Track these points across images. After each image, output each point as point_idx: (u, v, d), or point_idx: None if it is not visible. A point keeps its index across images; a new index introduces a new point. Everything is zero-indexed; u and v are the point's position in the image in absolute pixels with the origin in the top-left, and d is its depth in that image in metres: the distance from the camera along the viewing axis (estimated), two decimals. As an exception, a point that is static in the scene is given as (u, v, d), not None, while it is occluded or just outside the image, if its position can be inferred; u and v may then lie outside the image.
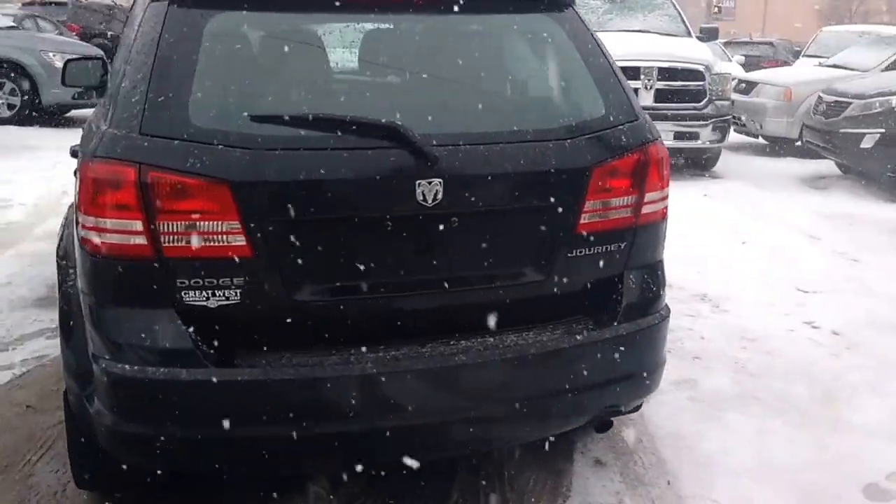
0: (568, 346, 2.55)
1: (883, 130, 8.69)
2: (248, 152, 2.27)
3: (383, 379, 2.34)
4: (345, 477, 2.78)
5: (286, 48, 2.53)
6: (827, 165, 10.29)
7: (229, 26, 2.46)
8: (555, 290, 2.59)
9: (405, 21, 2.63)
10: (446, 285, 2.48)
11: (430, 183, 2.37)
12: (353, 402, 2.34)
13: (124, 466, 2.46)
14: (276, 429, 2.30)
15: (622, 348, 2.61)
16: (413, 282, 2.46)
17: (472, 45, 2.68)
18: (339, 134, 2.34)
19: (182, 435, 2.30)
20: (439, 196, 2.37)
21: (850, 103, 9.11)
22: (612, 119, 2.64)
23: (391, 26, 2.66)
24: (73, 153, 2.92)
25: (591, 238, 2.60)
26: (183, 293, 2.29)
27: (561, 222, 2.54)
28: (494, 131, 2.50)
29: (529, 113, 2.63)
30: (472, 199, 2.43)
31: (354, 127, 2.35)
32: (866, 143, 8.74)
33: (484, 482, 3.01)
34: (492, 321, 2.52)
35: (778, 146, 11.78)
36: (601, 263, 2.64)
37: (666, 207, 2.78)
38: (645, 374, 2.73)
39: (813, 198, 8.82)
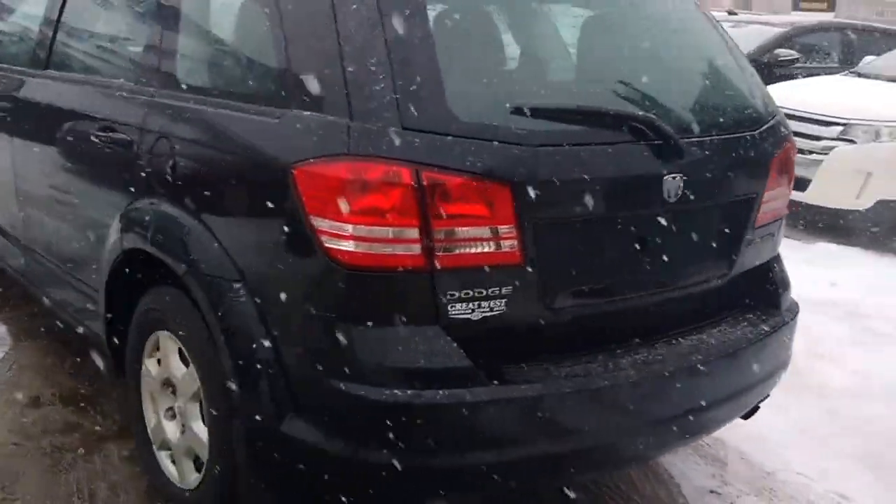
0: (761, 337, 2.58)
1: None
2: (523, 149, 2.07)
3: (644, 383, 2.26)
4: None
5: (519, 29, 2.30)
6: None
7: (452, 3, 2.20)
8: (735, 282, 2.61)
9: (619, 7, 2.48)
10: (672, 283, 2.42)
11: (674, 178, 2.28)
12: (622, 408, 2.25)
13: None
14: (551, 444, 2.16)
15: (787, 337, 2.70)
16: (647, 281, 2.37)
17: (673, 32, 2.58)
18: (600, 128, 2.19)
19: (452, 462, 2.09)
20: (680, 191, 2.30)
21: None
22: (770, 109, 2.68)
23: (608, 13, 2.49)
24: None
25: (760, 229, 2.63)
26: (450, 306, 2.05)
27: (751, 214, 2.56)
28: (714, 122, 2.44)
29: (730, 103, 2.58)
30: (703, 193, 2.37)
31: (614, 120, 2.21)
32: None
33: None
34: (698, 317, 2.51)
35: None
36: (761, 255, 2.70)
37: None
38: (787, 361, 2.83)
39: None
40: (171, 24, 2.63)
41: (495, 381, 2.08)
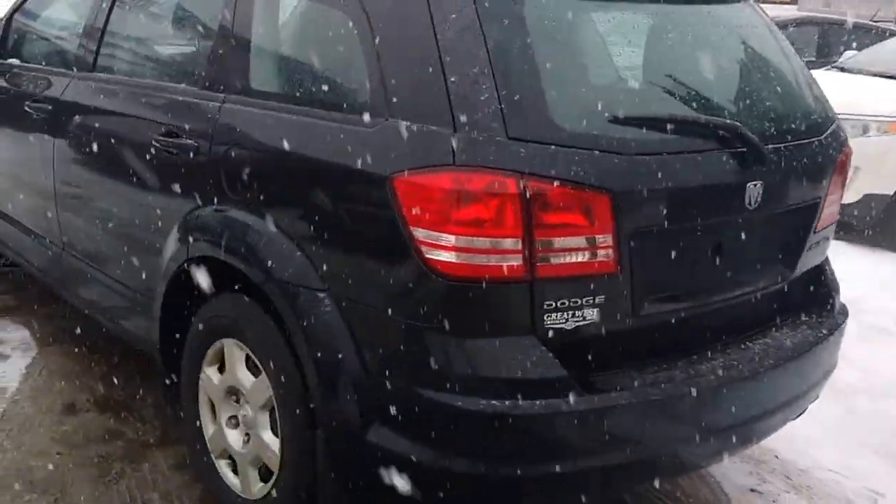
0: (820, 339, 2.62)
1: None
2: (622, 158, 2.07)
3: (723, 388, 2.28)
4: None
5: (608, 38, 2.30)
6: None
7: (546, 11, 2.20)
8: (793, 285, 2.65)
9: (683, 13, 2.49)
10: (743, 288, 2.45)
11: (755, 185, 2.31)
12: (702, 414, 2.27)
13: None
14: (634, 452, 2.17)
15: (839, 339, 2.75)
16: (721, 286, 2.40)
17: (734, 36, 2.59)
18: (691, 136, 2.21)
19: (543, 472, 2.09)
20: (759, 198, 2.33)
21: None
22: (830, 114, 2.72)
23: (674, 18, 2.49)
24: None
25: (819, 233, 2.67)
26: (546, 316, 2.06)
27: (815, 218, 2.60)
28: (786, 128, 2.46)
29: (798, 109, 2.61)
30: (776, 198, 2.40)
31: (704, 129, 2.23)
32: None
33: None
34: (761, 321, 2.54)
35: None
36: (817, 258, 2.74)
37: None
38: (836, 363, 2.87)
39: None
40: (244, 30, 2.57)
41: (587, 391, 2.09)
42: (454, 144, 1.98)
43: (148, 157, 2.78)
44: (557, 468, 2.09)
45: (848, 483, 3.23)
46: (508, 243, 1.98)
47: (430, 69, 2.06)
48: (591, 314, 2.11)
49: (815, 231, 2.61)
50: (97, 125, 3.09)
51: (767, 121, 2.40)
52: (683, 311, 2.32)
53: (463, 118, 1.99)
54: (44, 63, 3.64)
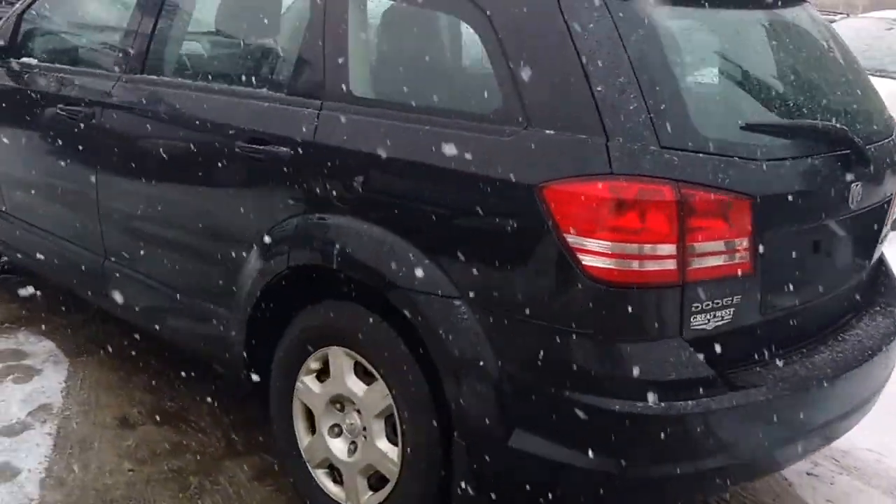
0: None
1: None
2: (757, 164, 2.15)
3: (836, 380, 2.38)
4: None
5: (728, 45, 2.36)
6: None
7: (672, 21, 2.25)
8: (869, 276, 2.78)
9: (769, 18, 2.57)
10: (840, 282, 2.56)
11: (856, 185, 2.41)
12: (819, 406, 2.37)
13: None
14: (762, 446, 2.27)
15: None
16: (825, 282, 2.49)
17: (811, 39, 2.68)
18: (809, 141, 2.30)
19: (690, 469, 2.16)
20: (859, 196, 2.43)
21: None
22: (889, 114, 2.85)
23: (766, 24, 2.57)
24: None
25: (887, 226, 2.81)
26: (692, 318, 2.12)
27: (888, 213, 2.73)
28: (871, 130, 2.58)
29: (874, 112, 2.72)
30: (869, 196, 2.52)
31: (817, 132, 2.32)
32: None
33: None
34: (848, 313, 2.66)
35: None
36: (879, 252, 2.88)
37: None
38: None
39: None
40: (339, 34, 2.52)
41: (730, 388, 2.16)
42: (611, 153, 2.01)
43: (227, 164, 2.72)
44: (701, 465, 2.15)
45: (888, 461, 3.39)
46: (663, 249, 2.03)
47: (573, 79, 2.08)
48: (728, 314, 2.18)
49: (886, 224, 2.74)
50: (156, 130, 2.99)
51: (856, 123, 2.51)
52: (796, 307, 2.41)
53: (613, 127, 2.02)
54: (73, 64, 3.48)
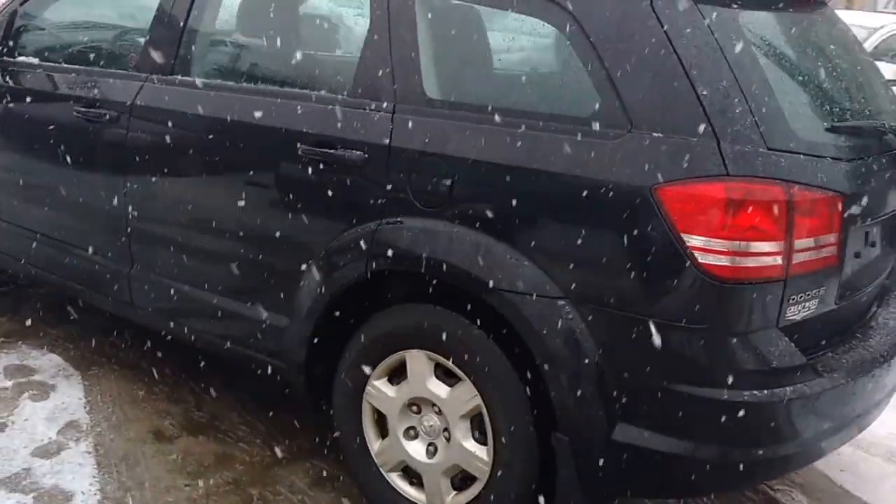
0: None
1: None
2: (844, 163, 2.29)
3: (891, 364, 2.54)
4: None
5: (793, 48, 2.48)
6: None
7: (753, 25, 2.35)
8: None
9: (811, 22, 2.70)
10: (881, 274, 2.73)
11: (904, 181, 2.58)
12: (874, 390, 2.52)
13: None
14: (830, 429, 2.40)
15: None
16: (873, 272, 2.65)
17: (842, 42, 2.82)
18: (874, 140, 2.44)
19: (786, 451, 2.28)
20: None
21: None
22: None
23: (812, 24, 2.69)
24: None
25: None
26: (787, 310, 2.23)
27: None
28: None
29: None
30: None
31: (882, 133, 2.46)
32: None
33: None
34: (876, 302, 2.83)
35: None
36: None
37: None
38: None
39: None
40: (409, 38, 2.51)
41: (821, 375, 2.28)
42: (725, 155, 2.09)
43: (287, 168, 2.68)
44: (790, 449, 2.29)
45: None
46: (773, 246, 2.12)
47: (677, 83, 2.15)
48: (814, 304, 2.30)
49: None
50: (198, 134, 2.89)
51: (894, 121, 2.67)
52: (854, 296, 2.55)
53: (723, 130, 2.11)
54: (82, 64, 3.33)
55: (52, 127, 3.32)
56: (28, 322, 3.88)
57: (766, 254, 2.13)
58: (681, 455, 2.22)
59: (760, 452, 2.24)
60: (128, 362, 3.60)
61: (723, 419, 2.18)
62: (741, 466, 2.25)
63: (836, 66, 2.64)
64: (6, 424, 3.10)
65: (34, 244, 3.48)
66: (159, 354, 3.55)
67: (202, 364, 3.39)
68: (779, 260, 2.14)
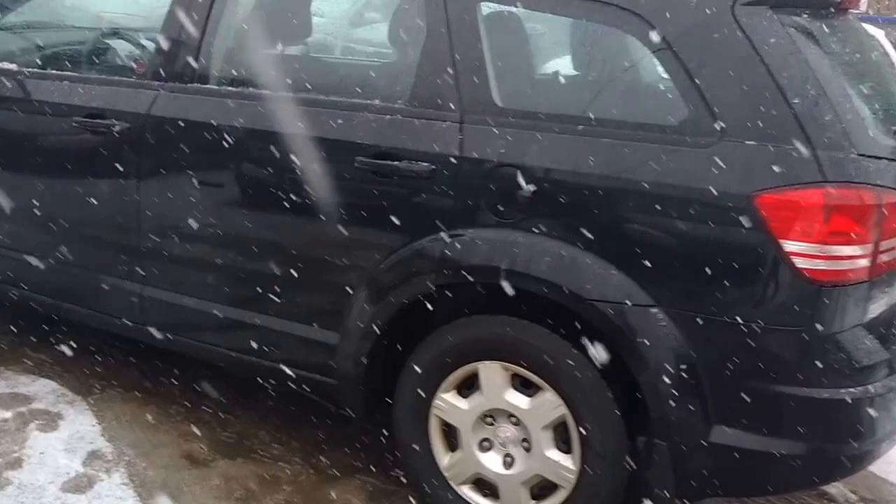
0: None
1: None
2: None
3: None
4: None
5: (845, 55, 2.56)
6: None
7: (818, 34, 2.43)
8: None
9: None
10: None
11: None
12: None
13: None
14: None
15: None
16: None
17: (870, 46, 2.96)
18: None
19: (871, 446, 2.38)
20: None
21: None
22: None
23: (852, 31, 2.79)
24: None
25: None
26: (867, 309, 2.33)
27: None
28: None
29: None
30: None
31: None
32: None
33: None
34: None
35: None
36: None
37: None
38: None
39: None
40: (479, 43, 2.47)
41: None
42: (821, 162, 2.16)
43: (342, 181, 2.60)
44: (872, 444, 2.39)
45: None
46: (864, 248, 2.22)
47: (767, 92, 2.21)
48: (882, 303, 2.41)
49: None
50: (232, 146, 2.75)
51: None
52: None
53: (817, 137, 2.18)
54: (78, 71, 3.13)
55: (47, 139, 3.09)
56: (4, 346, 3.61)
57: (858, 256, 2.21)
58: (776, 454, 2.29)
59: (853, 447, 2.33)
60: (130, 384, 3.41)
61: (819, 417, 2.27)
62: (831, 463, 2.34)
63: (883, 71, 2.77)
64: (22, 459, 2.88)
65: (26, 266, 3.23)
66: (157, 375, 3.40)
67: (210, 381, 3.27)
68: (868, 262, 2.23)
